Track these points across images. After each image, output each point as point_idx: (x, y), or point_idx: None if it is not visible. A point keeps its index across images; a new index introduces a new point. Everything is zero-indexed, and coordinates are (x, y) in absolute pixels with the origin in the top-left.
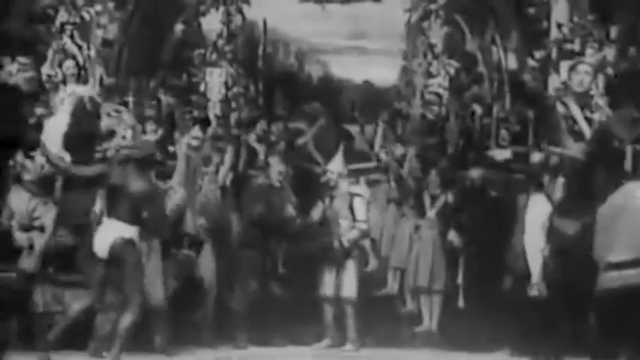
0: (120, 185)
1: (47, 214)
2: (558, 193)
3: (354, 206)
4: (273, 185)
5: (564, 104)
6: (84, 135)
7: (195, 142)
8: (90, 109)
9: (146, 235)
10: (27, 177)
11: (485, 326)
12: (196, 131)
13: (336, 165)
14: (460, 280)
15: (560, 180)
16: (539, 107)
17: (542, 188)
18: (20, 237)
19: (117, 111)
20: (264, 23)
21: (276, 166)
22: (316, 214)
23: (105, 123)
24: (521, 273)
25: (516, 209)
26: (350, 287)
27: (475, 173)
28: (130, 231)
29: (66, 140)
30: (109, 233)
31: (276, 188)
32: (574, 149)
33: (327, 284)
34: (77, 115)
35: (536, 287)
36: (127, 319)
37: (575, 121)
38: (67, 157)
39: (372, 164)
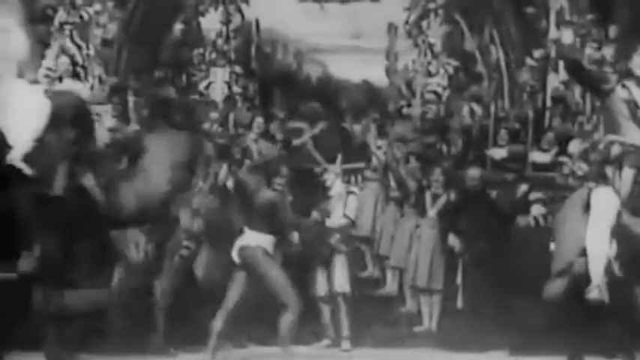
0: (250, 195)
1: None
2: (625, 186)
3: (348, 202)
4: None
5: (626, 88)
6: None
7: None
8: None
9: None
10: None
11: (485, 326)
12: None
13: (335, 167)
14: (459, 280)
15: (629, 172)
16: (597, 90)
17: (607, 181)
18: None
19: (97, 114)
20: (257, 23)
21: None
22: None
23: None
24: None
25: (517, 208)
26: (342, 283)
27: (474, 173)
28: (259, 239)
29: None
30: (241, 241)
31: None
32: (638, 137)
33: (320, 284)
34: None
35: (597, 290)
36: (287, 318)
37: (638, 107)
38: None
39: (361, 164)
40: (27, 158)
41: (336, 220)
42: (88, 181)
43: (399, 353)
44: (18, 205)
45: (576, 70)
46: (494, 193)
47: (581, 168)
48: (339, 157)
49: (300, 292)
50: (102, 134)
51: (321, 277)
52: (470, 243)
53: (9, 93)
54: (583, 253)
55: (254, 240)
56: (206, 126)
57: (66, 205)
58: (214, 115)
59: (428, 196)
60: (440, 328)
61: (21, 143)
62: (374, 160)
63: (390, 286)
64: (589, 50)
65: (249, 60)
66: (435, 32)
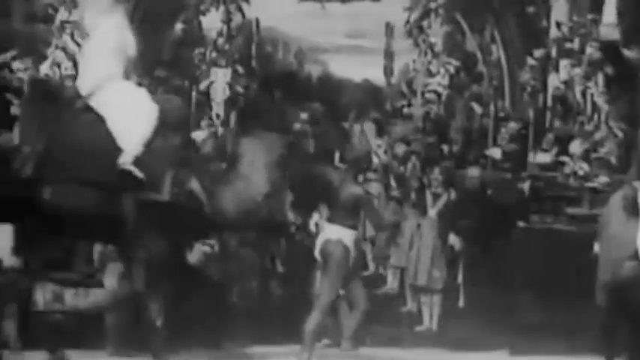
0: (335, 190)
1: None
2: None
3: None
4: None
5: None
6: None
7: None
8: None
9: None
10: None
11: (485, 326)
12: (199, 134)
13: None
14: (460, 279)
15: None
16: (631, 77)
17: None
18: None
19: None
20: (257, 22)
21: None
22: (312, 225)
23: None
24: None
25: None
26: None
27: (474, 172)
28: (341, 233)
29: None
30: (323, 236)
31: None
32: None
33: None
34: None
35: None
36: (313, 320)
37: None
38: None
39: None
40: (137, 162)
41: None
42: (195, 185)
43: (400, 353)
44: (125, 209)
45: (614, 52)
46: (493, 193)
47: (582, 168)
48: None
49: (301, 290)
50: None
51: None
52: (470, 242)
53: (118, 94)
54: (634, 255)
55: (336, 233)
56: (297, 126)
57: (175, 210)
58: (304, 115)
59: (428, 195)
60: (440, 327)
61: (131, 147)
62: (374, 160)
63: (391, 285)
64: (589, 50)
65: (250, 59)
66: (436, 32)
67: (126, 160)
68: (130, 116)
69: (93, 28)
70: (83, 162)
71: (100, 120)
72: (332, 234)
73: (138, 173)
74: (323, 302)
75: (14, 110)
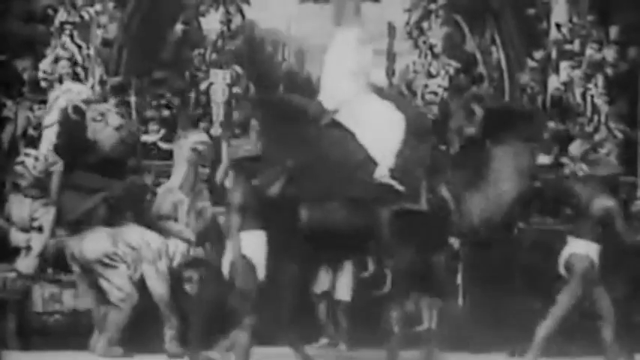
0: (584, 204)
1: (45, 215)
2: None
3: None
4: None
5: None
6: (73, 144)
7: (200, 147)
8: (75, 118)
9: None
10: (24, 182)
11: (485, 326)
12: (202, 136)
13: None
14: (459, 280)
15: None
16: None
17: None
18: (18, 237)
19: (101, 114)
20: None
21: None
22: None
23: (91, 129)
24: None
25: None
26: (344, 290)
27: None
28: (588, 247)
29: (58, 148)
30: (568, 249)
31: None
32: None
33: (322, 283)
34: (64, 125)
35: None
36: (546, 327)
37: None
38: (59, 163)
39: None
40: (392, 174)
41: None
42: (445, 193)
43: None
44: (382, 221)
45: None
46: None
47: (582, 169)
48: None
49: (300, 288)
50: (109, 134)
51: (324, 277)
52: (470, 242)
53: (364, 107)
54: None
55: (582, 247)
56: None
57: (428, 218)
58: (551, 124)
59: None
60: (440, 328)
61: (385, 160)
62: None
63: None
64: (590, 51)
65: (252, 60)
66: (436, 33)
67: (383, 173)
68: (378, 129)
69: (334, 41)
70: (336, 178)
71: (349, 134)
72: (578, 248)
73: (398, 186)
74: (559, 312)
75: (6, 112)
